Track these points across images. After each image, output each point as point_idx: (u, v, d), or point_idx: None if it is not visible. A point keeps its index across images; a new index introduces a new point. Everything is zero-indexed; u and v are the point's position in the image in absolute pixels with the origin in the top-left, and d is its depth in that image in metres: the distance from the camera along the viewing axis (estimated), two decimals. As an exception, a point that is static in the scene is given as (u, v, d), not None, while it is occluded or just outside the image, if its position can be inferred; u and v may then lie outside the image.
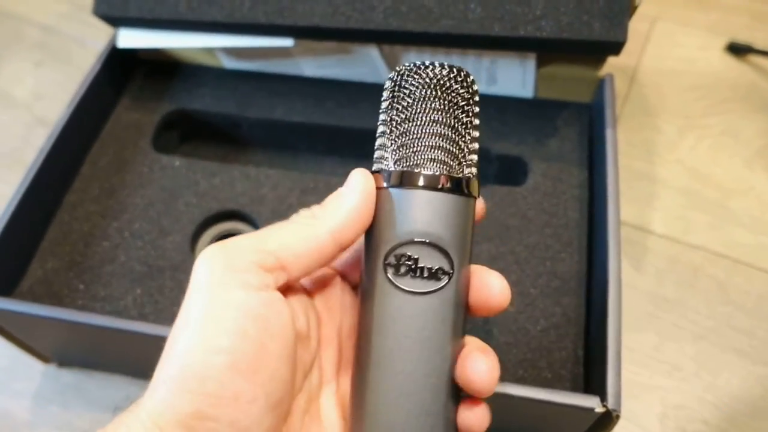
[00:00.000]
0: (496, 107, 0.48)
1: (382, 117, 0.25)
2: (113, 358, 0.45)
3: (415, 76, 0.24)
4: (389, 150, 0.24)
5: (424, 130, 0.23)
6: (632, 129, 0.57)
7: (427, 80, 0.24)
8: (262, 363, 0.22)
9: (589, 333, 0.38)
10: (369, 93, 0.50)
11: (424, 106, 0.23)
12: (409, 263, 0.23)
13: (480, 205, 0.26)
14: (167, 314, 0.40)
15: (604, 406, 0.32)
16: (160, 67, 0.53)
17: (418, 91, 0.24)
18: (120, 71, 0.52)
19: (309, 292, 0.27)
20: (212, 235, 0.46)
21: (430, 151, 0.23)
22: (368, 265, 0.24)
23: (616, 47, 0.39)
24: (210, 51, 0.51)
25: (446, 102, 0.23)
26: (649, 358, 0.46)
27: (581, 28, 0.39)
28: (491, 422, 0.24)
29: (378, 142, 0.25)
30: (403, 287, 0.23)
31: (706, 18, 0.64)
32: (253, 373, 0.22)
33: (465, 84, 0.24)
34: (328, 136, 0.50)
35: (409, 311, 0.23)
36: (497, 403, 0.34)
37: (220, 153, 0.53)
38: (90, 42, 0.67)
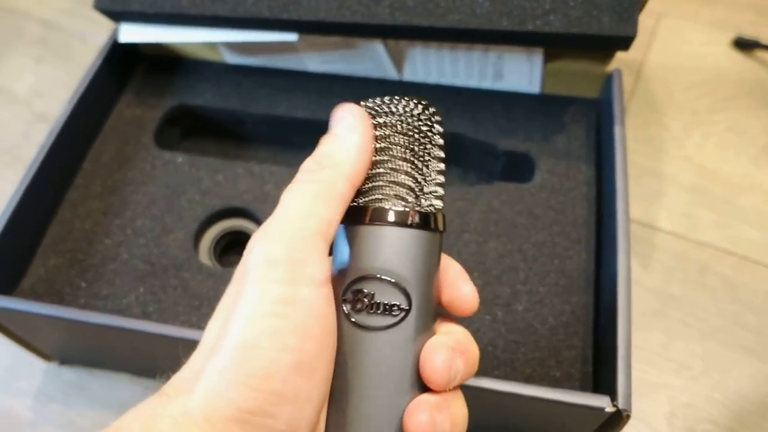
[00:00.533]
0: (502, 103, 0.48)
1: None
2: (116, 357, 0.45)
3: (376, 112, 0.24)
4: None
5: (380, 163, 0.23)
6: (638, 125, 0.57)
7: (384, 113, 0.24)
8: (321, 363, 0.22)
9: (598, 331, 0.38)
10: (374, 88, 0.49)
11: (380, 137, 0.23)
12: (365, 299, 0.23)
13: (474, 301, 0.25)
14: (170, 312, 0.40)
15: (615, 405, 0.31)
16: (162, 63, 0.53)
17: (379, 129, 0.24)
18: (121, 66, 0.51)
19: None
20: (216, 233, 0.45)
21: (386, 187, 0.23)
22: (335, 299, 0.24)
23: (625, 42, 0.39)
24: (212, 46, 0.51)
25: (406, 137, 0.23)
26: (657, 356, 0.45)
27: (590, 22, 0.38)
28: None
29: None
30: (358, 323, 0.23)
31: (712, 13, 0.64)
32: (312, 372, 0.22)
33: (425, 116, 0.24)
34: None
35: (366, 347, 0.23)
36: (506, 402, 0.34)
37: (223, 149, 0.52)
38: (91, 37, 0.66)
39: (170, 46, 0.52)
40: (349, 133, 0.23)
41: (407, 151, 0.23)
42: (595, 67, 0.45)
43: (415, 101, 0.24)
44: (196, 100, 0.50)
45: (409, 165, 0.23)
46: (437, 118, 0.24)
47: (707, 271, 0.49)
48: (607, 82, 0.46)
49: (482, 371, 0.37)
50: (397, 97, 0.24)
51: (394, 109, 0.24)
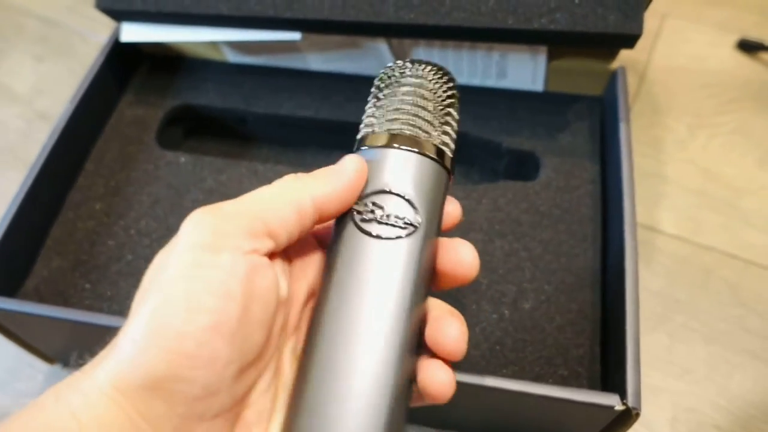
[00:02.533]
0: (506, 101, 0.47)
1: (369, 100, 0.28)
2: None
3: (398, 67, 0.28)
4: (373, 118, 0.27)
5: (402, 101, 0.26)
6: (642, 127, 0.56)
7: (409, 68, 0.27)
8: (243, 327, 0.21)
9: (606, 329, 0.37)
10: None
11: (404, 84, 0.27)
12: (377, 211, 0.24)
13: (457, 209, 0.27)
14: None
15: (624, 404, 0.31)
16: (164, 62, 0.53)
17: (401, 76, 0.27)
18: (123, 66, 0.51)
19: (289, 257, 0.26)
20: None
21: (407, 118, 0.26)
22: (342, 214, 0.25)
23: (631, 40, 0.39)
24: (215, 45, 0.51)
25: (425, 82, 0.27)
26: (660, 360, 0.45)
27: (596, 20, 0.38)
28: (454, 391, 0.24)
29: (364, 117, 0.28)
30: (368, 231, 0.24)
31: (717, 15, 0.64)
32: (232, 336, 0.21)
33: (443, 74, 0.28)
34: (335, 131, 0.49)
35: (373, 255, 0.23)
36: (514, 401, 0.33)
37: (226, 149, 0.52)
38: (92, 35, 0.66)
39: (172, 45, 0.52)
40: (342, 170, 0.25)
41: (428, 98, 0.26)
42: (599, 64, 0.45)
43: (436, 65, 0.28)
44: (199, 100, 0.50)
45: (429, 108, 0.26)
46: (452, 77, 0.28)
47: (711, 274, 0.49)
48: (612, 79, 0.45)
49: (490, 370, 0.37)
50: (418, 61, 0.28)
51: (419, 66, 0.27)
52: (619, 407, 0.31)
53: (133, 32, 0.48)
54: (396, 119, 0.26)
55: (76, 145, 0.46)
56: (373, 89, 0.28)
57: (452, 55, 0.46)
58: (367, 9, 0.41)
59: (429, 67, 0.27)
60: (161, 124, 0.49)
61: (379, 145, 0.26)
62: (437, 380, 0.23)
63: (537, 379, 0.36)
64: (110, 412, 0.20)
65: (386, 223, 0.24)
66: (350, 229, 0.24)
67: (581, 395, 0.32)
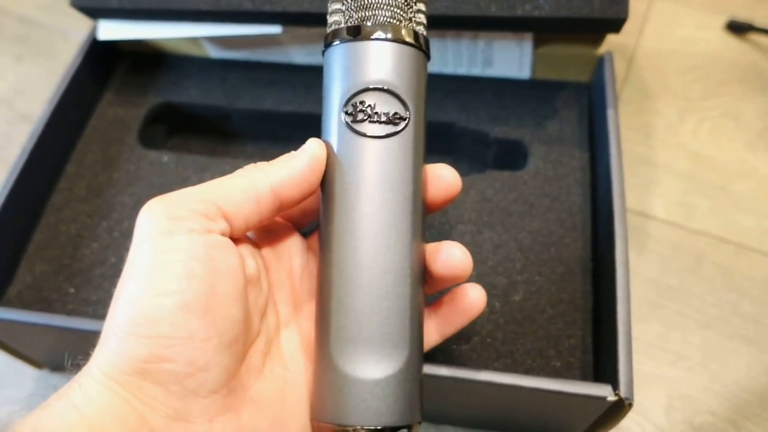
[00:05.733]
0: (493, 90, 0.47)
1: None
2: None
3: None
4: (341, 13, 0.25)
5: None
6: (631, 112, 0.56)
7: None
8: (213, 302, 0.22)
9: (598, 320, 0.37)
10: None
11: None
12: (367, 110, 0.24)
13: (455, 178, 0.27)
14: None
15: (617, 394, 0.31)
16: (144, 59, 0.52)
17: None
18: (102, 64, 0.50)
19: (255, 243, 0.27)
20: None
21: (380, 8, 0.25)
22: (328, 121, 0.25)
23: (616, 24, 0.38)
24: (195, 41, 0.50)
25: None
26: (654, 347, 0.45)
27: (581, 5, 0.37)
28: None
29: (330, 14, 0.26)
30: (361, 131, 0.24)
31: (705, -4, 0.63)
32: (204, 312, 0.22)
33: None
34: (320, 125, 0.48)
35: (370, 155, 0.24)
36: (507, 394, 0.33)
37: (210, 146, 0.51)
38: (73, 34, 0.65)
39: (151, 43, 0.51)
40: (300, 155, 0.25)
41: None
42: (587, 50, 0.45)
43: None
44: (180, 97, 0.49)
45: None
46: None
47: (703, 260, 0.48)
48: (599, 65, 0.45)
49: (482, 364, 0.36)
50: None
51: None
52: (611, 398, 0.31)
53: (111, 30, 0.47)
54: (366, 9, 0.25)
55: (57, 147, 0.45)
56: None
57: (437, 44, 0.45)
58: (348, 0, 0.40)
59: None
60: (143, 123, 0.48)
61: (354, 38, 0.25)
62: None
63: (529, 371, 0.36)
64: (108, 399, 0.21)
65: (378, 121, 0.24)
66: (344, 134, 0.24)
67: (573, 387, 0.31)
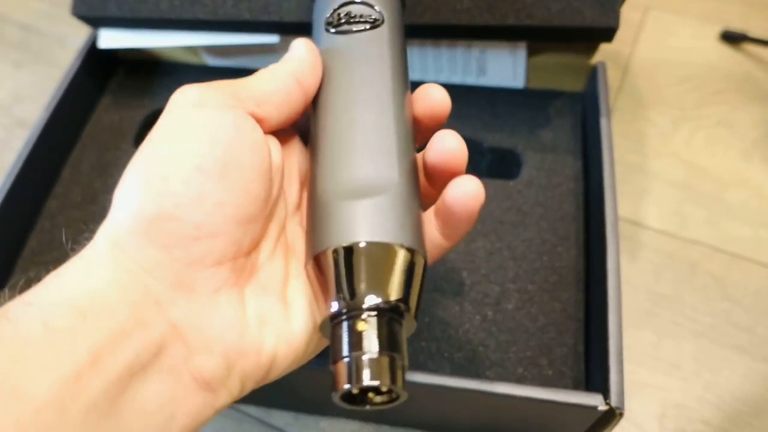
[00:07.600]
0: (486, 99, 0.47)
1: None
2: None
3: None
4: None
5: None
6: (625, 121, 0.56)
7: None
8: (233, 171, 0.22)
9: (590, 329, 0.37)
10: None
11: None
12: (346, 15, 0.28)
13: (444, 97, 0.27)
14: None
15: (608, 404, 0.31)
16: (141, 66, 0.52)
17: None
18: (99, 71, 0.50)
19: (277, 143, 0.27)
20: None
21: None
22: (315, 38, 0.29)
23: (608, 33, 0.39)
24: (193, 49, 0.50)
25: None
26: (647, 356, 0.45)
27: (572, 14, 0.38)
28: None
29: None
30: (341, 31, 0.28)
31: (700, 6, 0.64)
32: (220, 177, 0.21)
33: None
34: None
35: (352, 44, 0.27)
36: (498, 403, 0.33)
37: (206, 153, 0.52)
38: (71, 41, 0.65)
39: (150, 50, 0.51)
40: (296, 47, 0.26)
41: None
42: (580, 60, 0.45)
43: None
44: (177, 104, 0.49)
45: None
46: None
47: (697, 269, 0.48)
48: (592, 74, 0.45)
49: (474, 373, 0.36)
50: None
51: None
52: (602, 407, 0.31)
53: (111, 38, 0.47)
54: None
55: (53, 153, 0.46)
56: None
57: (431, 53, 0.46)
58: (343, 9, 0.40)
59: None
60: (139, 130, 0.48)
61: None
62: (466, 187, 0.24)
63: (521, 380, 0.36)
64: (110, 269, 0.20)
65: (357, 22, 0.27)
66: (329, 39, 0.28)
67: (564, 396, 0.31)
